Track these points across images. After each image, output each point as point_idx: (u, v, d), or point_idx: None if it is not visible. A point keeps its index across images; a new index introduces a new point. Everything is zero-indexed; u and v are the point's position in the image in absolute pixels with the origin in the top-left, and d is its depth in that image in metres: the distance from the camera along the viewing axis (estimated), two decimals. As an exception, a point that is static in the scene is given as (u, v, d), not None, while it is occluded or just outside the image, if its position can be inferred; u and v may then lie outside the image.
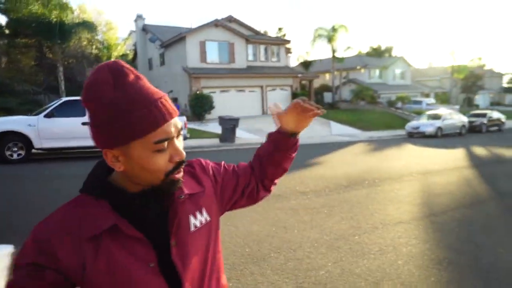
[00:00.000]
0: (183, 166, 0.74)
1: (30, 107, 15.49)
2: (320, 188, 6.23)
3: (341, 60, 28.61)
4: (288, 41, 26.29)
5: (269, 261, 3.34)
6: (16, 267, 0.70)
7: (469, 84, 38.38)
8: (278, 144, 0.98)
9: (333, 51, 27.88)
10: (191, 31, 21.17)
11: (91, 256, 0.69)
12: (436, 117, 18.63)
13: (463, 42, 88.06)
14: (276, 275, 3.06)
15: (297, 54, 47.33)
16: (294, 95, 24.67)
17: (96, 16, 25.74)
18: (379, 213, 4.86)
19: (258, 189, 1.00)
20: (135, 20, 26.45)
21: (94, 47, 24.85)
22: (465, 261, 3.44)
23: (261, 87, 22.97)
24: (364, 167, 8.76)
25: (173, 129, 0.70)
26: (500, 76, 50.43)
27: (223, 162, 0.99)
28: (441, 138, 17.30)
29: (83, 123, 9.02)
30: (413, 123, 18.65)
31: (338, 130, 19.62)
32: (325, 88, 32.09)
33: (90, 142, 9.26)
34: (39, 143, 8.66)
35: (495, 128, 21.43)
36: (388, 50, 49.27)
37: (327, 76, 33.25)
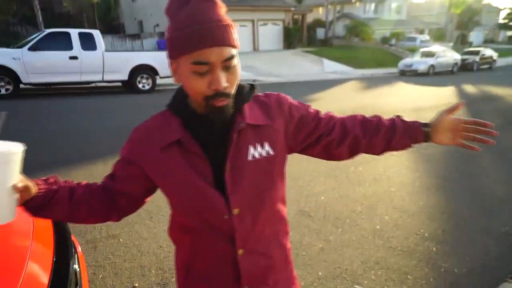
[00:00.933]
0: (223, 97, 0.74)
1: (6, 40, 14.57)
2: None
3: (336, -9, 27.03)
4: (281, -30, 24.43)
5: (272, 189, 3.57)
6: (119, 158, 0.87)
7: (465, 20, 37.30)
8: (402, 139, 0.90)
9: (328, -19, 26.21)
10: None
11: (162, 160, 0.81)
12: (429, 54, 18.42)
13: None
14: (279, 201, 3.30)
15: (290, -16, 44.31)
16: (287, 30, 23.72)
17: None
18: (373, 146, 5.09)
19: (338, 146, 0.91)
20: None
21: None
22: (451, 186, 3.75)
23: (252, 21, 21.91)
24: (357, 104, 8.89)
25: (214, 58, 0.70)
26: (497, 11, 48.92)
27: (308, 104, 0.94)
28: (433, 76, 17.33)
29: (71, 57, 8.65)
30: (406, 61, 18.47)
31: (330, 68, 19.36)
32: (318, 23, 30.75)
33: (79, 78, 9.01)
34: (26, 77, 8.36)
35: (486, 66, 21.45)
36: (386, -19, 46.48)
37: (320, 10, 31.66)
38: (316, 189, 3.60)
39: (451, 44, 29.80)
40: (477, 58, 20.58)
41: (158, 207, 3.02)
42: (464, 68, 20.10)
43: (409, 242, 2.62)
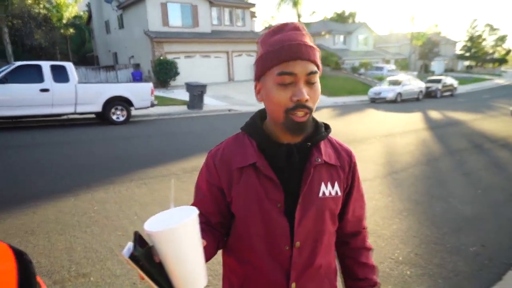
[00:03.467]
0: (303, 110, 0.77)
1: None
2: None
3: (306, 25, 28.43)
4: (253, 5, 25.57)
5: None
6: (197, 185, 0.91)
7: (426, 51, 39.98)
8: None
9: (299, 16, 27.60)
10: (151, -9, 19.86)
11: (236, 181, 0.84)
12: (396, 83, 19.45)
13: (422, 8, 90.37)
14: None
15: (262, 19, 46.21)
16: (261, 61, 24.35)
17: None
18: (347, 172, 5.21)
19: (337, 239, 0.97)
20: (87, -23, 24.26)
21: (41, 6, 22.62)
22: (422, 210, 3.87)
23: (227, 52, 22.47)
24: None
25: (299, 70, 0.76)
26: (453, 43, 52.93)
27: (361, 187, 0.99)
28: (401, 103, 18.23)
29: (42, 90, 8.48)
30: (375, 89, 19.38)
31: (304, 96, 19.87)
32: (290, 54, 31.94)
33: (50, 110, 8.80)
34: (-7, 111, 8.07)
35: (448, 93, 22.85)
36: (352, 15, 49.59)
37: (293, 41, 33.01)
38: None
39: (416, 73, 31.64)
40: (439, 86, 21.92)
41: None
42: (429, 95, 21.30)
43: (384, 267, 2.66)
